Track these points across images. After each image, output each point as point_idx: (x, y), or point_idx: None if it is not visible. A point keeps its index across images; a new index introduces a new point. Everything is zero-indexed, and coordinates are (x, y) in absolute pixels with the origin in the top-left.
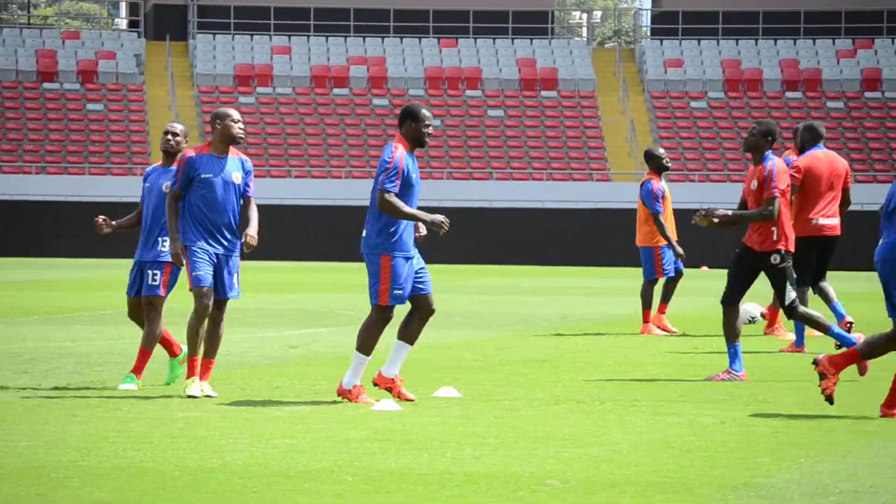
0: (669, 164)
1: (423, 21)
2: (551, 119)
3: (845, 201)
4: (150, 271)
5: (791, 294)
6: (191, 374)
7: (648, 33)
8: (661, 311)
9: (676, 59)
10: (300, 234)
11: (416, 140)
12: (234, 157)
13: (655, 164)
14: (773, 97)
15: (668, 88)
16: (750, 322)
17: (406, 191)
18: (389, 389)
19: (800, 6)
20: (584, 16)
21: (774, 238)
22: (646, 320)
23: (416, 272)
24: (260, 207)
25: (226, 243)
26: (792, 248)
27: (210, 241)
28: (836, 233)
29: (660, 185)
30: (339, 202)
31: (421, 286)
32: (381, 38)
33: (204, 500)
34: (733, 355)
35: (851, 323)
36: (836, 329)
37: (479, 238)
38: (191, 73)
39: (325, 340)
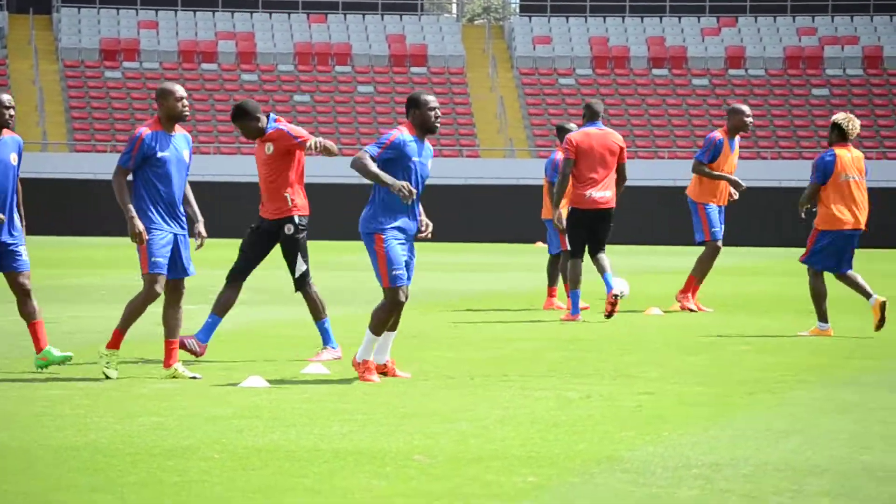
0: None
1: None
2: None
3: (621, 177)
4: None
5: (302, 266)
6: (111, 345)
7: (517, 10)
8: (551, 293)
9: (545, 36)
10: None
11: (423, 126)
12: (181, 133)
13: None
14: (639, 74)
15: (536, 65)
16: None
17: (401, 171)
18: (384, 374)
19: None
20: None
21: (289, 206)
22: (550, 294)
23: (410, 259)
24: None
25: (180, 222)
26: (306, 214)
27: (168, 221)
28: (609, 206)
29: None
30: (207, 178)
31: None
32: (249, 13)
33: (68, 478)
34: None
35: (617, 296)
36: None
37: (350, 214)
38: (55, 46)
39: (191, 317)
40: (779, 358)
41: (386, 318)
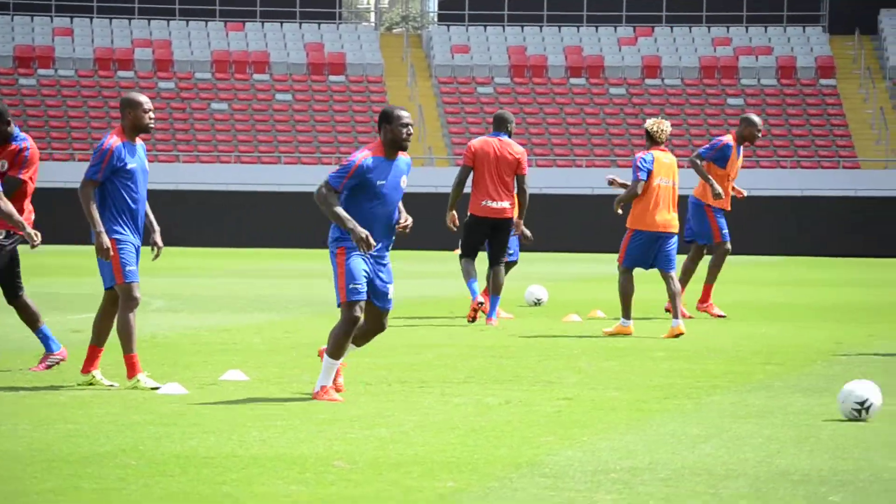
0: None
1: (209, 4)
2: (340, 104)
3: (521, 189)
4: None
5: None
6: (132, 372)
7: (436, 19)
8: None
9: (463, 45)
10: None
11: (394, 143)
12: (141, 143)
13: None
14: (557, 83)
15: (455, 74)
16: (535, 304)
17: (369, 198)
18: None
19: None
20: (372, 1)
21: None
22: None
23: (381, 280)
24: (44, 191)
25: (140, 232)
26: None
27: (134, 232)
28: (505, 216)
29: None
30: None
31: (376, 298)
32: (166, 21)
33: None
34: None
35: (482, 303)
36: None
37: (269, 222)
38: None
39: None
40: (694, 364)
41: (344, 339)
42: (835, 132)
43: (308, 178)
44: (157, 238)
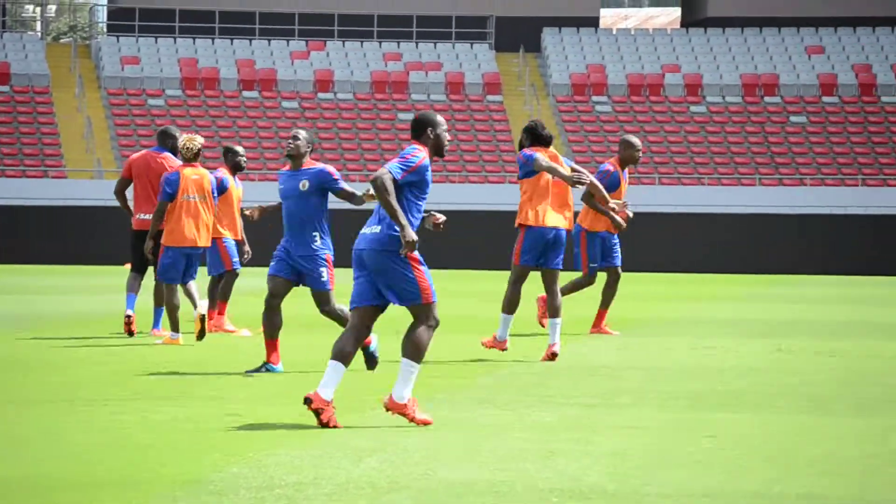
0: (245, 164)
1: None
2: (4, 115)
3: None
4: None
5: None
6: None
7: (105, 29)
8: (221, 311)
9: (134, 56)
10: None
11: (437, 149)
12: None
13: (232, 160)
14: (230, 96)
15: (125, 86)
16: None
17: (415, 197)
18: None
19: (255, 7)
20: (38, 9)
21: None
22: (220, 312)
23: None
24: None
25: None
26: None
27: None
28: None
29: (225, 177)
30: None
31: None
32: None
33: None
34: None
35: (130, 316)
36: None
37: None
38: None
39: None
40: (361, 376)
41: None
42: (501, 147)
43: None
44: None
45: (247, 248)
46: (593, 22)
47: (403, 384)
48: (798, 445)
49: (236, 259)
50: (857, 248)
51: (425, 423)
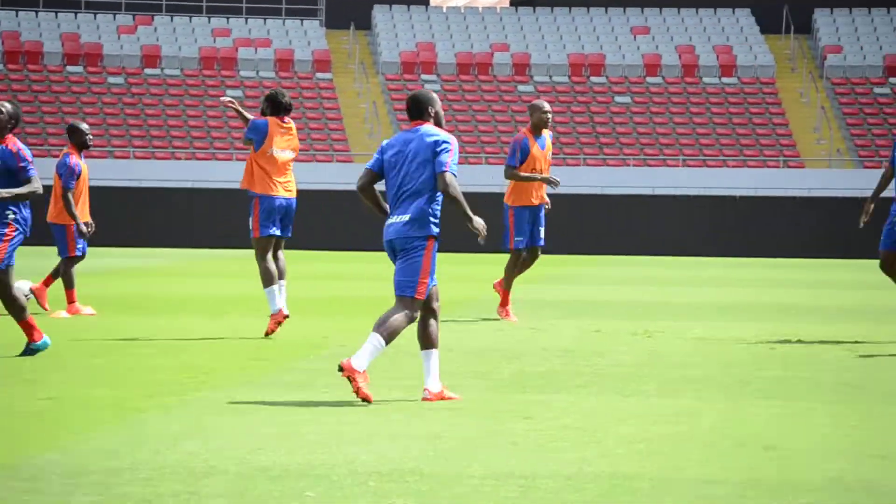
0: (91, 142)
1: None
2: None
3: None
4: None
5: None
6: None
7: None
8: (71, 298)
9: None
10: None
11: (437, 125)
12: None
13: (78, 139)
14: (53, 70)
15: None
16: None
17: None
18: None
19: None
20: None
21: None
22: (70, 300)
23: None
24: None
25: None
26: None
27: None
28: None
29: (79, 161)
30: None
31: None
32: None
33: None
34: None
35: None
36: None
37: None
38: None
39: None
40: (182, 359)
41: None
42: (330, 126)
43: None
44: None
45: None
46: (424, 0)
47: (365, 355)
48: (606, 425)
49: (80, 245)
50: (689, 229)
51: (366, 400)
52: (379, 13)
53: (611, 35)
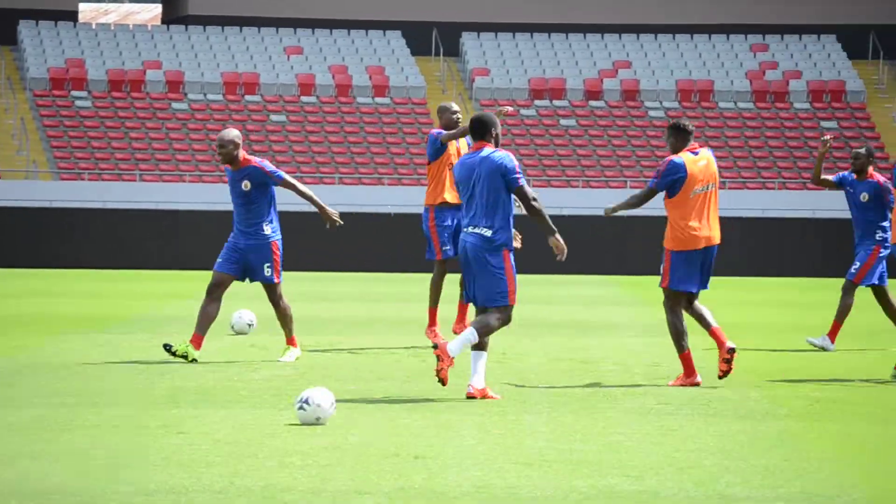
0: None
1: None
2: None
3: None
4: None
5: None
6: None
7: None
8: None
9: None
10: None
11: (496, 145)
12: None
13: None
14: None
15: None
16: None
17: None
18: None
19: None
20: None
21: None
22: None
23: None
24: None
25: None
26: None
27: None
28: None
29: None
30: None
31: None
32: None
33: None
34: None
35: None
36: None
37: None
38: None
39: None
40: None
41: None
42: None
43: None
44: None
45: None
46: (72, 16)
47: (460, 342)
48: (260, 438)
49: None
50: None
51: (443, 382)
52: (25, 28)
53: (265, 54)
